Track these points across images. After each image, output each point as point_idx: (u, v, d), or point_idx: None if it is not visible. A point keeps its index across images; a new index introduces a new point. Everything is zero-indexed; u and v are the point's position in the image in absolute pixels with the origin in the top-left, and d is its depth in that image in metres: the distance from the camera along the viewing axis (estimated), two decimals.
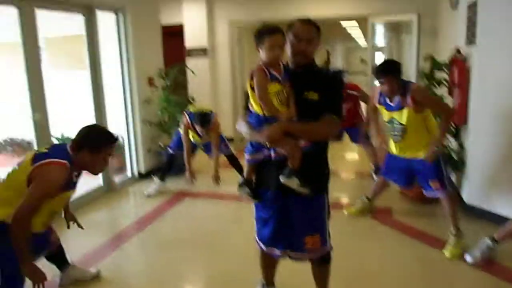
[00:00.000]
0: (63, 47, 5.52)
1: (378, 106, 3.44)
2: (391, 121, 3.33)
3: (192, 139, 4.49)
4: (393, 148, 3.46)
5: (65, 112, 5.30)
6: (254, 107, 2.02)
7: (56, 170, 2.22)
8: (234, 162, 4.88)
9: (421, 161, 3.31)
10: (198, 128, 4.30)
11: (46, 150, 2.34)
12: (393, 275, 3.00)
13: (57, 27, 5.04)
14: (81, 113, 5.08)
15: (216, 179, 4.42)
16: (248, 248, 3.39)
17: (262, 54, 1.96)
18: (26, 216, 2.13)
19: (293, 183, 1.98)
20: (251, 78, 1.97)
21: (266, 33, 1.93)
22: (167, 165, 4.93)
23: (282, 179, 2.00)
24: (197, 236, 3.73)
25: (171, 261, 3.27)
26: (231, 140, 6.63)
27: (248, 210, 4.37)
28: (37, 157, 2.26)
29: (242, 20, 6.90)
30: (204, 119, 4.23)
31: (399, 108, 3.21)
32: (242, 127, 2.13)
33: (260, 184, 2.22)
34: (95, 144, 2.35)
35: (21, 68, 3.77)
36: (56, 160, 2.25)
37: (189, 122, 4.35)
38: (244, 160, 2.22)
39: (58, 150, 2.37)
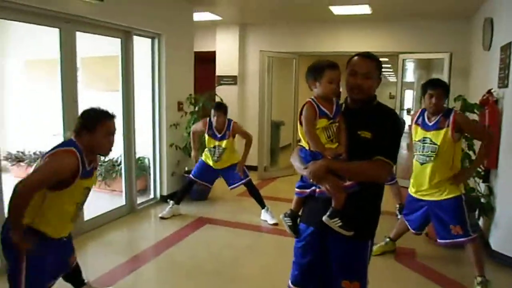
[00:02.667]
0: (96, 67, 5.70)
1: (414, 126, 3.38)
2: (424, 139, 3.24)
3: (209, 145, 4.66)
4: (412, 187, 3.40)
5: None
6: (302, 141, 2.00)
7: (64, 155, 2.27)
8: (252, 189, 4.84)
9: (442, 205, 3.21)
10: (214, 121, 4.52)
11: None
12: None
13: (91, 47, 5.20)
14: None
15: (240, 169, 4.64)
16: (262, 279, 3.36)
17: (319, 88, 1.95)
18: (32, 188, 2.14)
19: (335, 224, 1.91)
20: (301, 113, 1.96)
21: (327, 67, 1.93)
22: (185, 189, 4.97)
23: (324, 218, 1.93)
24: (212, 264, 3.70)
25: None
26: (254, 168, 6.64)
27: (265, 241, 4.39)
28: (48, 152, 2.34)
29: (272, 50, 7.00)
30: (221, 104, 4.65)
31: (437, 128, 3.17)
32: (295, 161, 2.09)
33: (302, 219, 2.15)
34: (90, 123, 2.37)
35: (56, 85, 3.92)
36: (62, 148, 2.32)
37: (207, 122, 4.63)
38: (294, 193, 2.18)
39: (65, 141, 2.45)
